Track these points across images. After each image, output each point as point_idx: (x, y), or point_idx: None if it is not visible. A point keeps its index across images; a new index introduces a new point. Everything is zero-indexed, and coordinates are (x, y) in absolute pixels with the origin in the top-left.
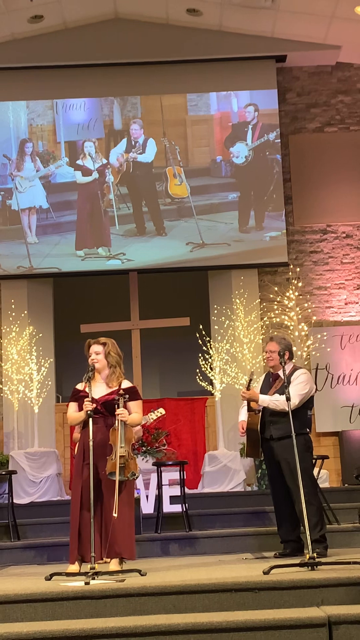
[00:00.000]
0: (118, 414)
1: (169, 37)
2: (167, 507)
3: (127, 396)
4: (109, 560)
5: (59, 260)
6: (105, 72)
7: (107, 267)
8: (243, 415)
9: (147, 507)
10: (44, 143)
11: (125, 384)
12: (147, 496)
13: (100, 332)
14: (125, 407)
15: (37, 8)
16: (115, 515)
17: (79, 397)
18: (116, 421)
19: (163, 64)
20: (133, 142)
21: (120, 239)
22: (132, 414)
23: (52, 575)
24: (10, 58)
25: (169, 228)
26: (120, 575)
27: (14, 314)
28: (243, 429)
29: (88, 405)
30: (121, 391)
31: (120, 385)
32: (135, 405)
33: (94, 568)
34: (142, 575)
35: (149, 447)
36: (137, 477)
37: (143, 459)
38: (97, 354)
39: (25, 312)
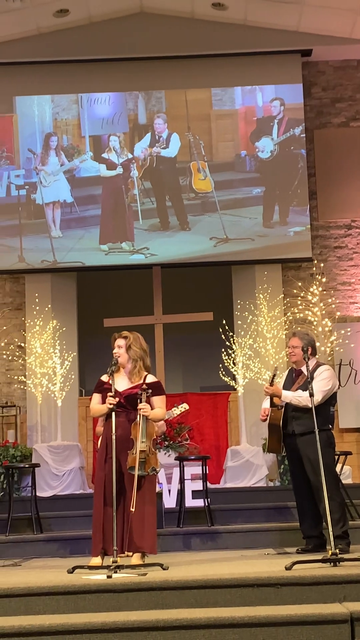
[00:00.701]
0: (140, 409)
1: (194, 32)
2: (190, 502)
3: (149, 391)
4: (130, 554)
5: (83, 255)
6: (130, 66)
7: (131, 262)
8: (266, 405)
9: (170, 502)
10: (69, 137)
11: (150, 378)
12: (169, 490)
13: (123, 326)
14: (148, 401)
15: (62, 2)
16: (132, 509)
17: (102, 389)
18: (138, 416)
19: (188, 59)
20: (157, 137)
21: (144, 233)
22: (155, 409)
23: (74, 568)
24: (35, 52)
25: (192, 223)
26: (143, 569)
27: (37, 307)
28: (265, 414)
29: (111, 400)
30: (144, 386)
31: (144, 380)
32: (159, 400)
33: (116, 561)
34: (164, 569)
35: (171, 442)
36: (157, 472)
37: (165, 453)
38: (119, 347)
39: (49, 306)
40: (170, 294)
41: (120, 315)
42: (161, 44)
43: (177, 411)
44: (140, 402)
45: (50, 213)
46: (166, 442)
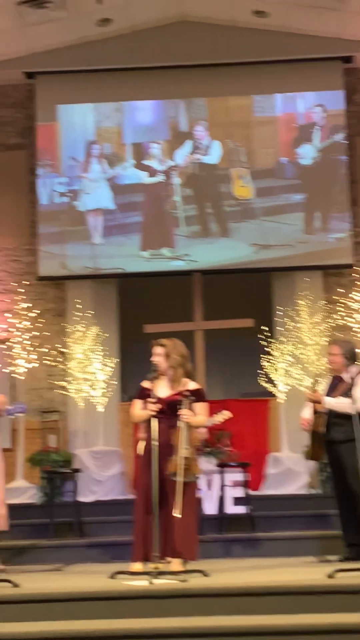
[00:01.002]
0: (181, 415)
1: (235, 39)
2: (230, 508)
3: (192, 398)
4: (170, 560)
5: (124, 261)
6: (172, 74)
7: (171, 268)
8: (307, 414)
9: (210, 508)
10: (111, 145)
11: (192, 385)
12: (209, 497)
13: (163, 332)
14: (190, 408)
15: (105, 11)
16: (177, 515)
17: (144, 395)
18: (180, 422)
19: (229, 66)
20: (198, 144)
21: (185, 240)
22: (197, 415)
23: (115, 573)
24: (78, 61)
25: (233, 229)
26: (184, 575)
27: (79, 313)
28: (307, 422)
29: (152, 406)
30: (186, 392)
31: (186, 387)
32: (201, 407)
33: (157, 568)
34: (205, 576)
35: (212, 448)
36: (198, 479)
37: (206, 459)
38: (158, 355)
39: (91, 312)
40: (210, 300)
41: (161, 321)
42: (203, 51)
43: (219, 418)
44: (182, 408)
45: (92, 220)
46: (207, 449)
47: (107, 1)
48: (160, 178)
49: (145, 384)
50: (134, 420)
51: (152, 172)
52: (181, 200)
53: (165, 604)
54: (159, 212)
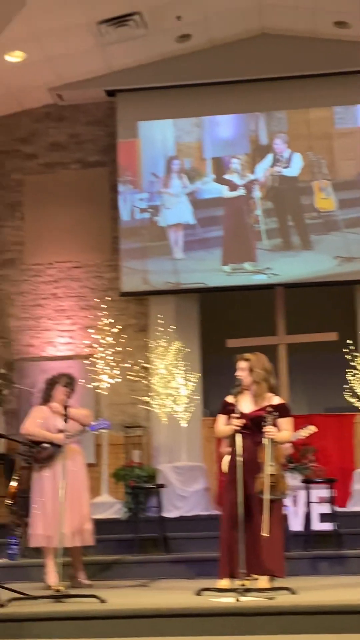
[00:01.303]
0: (266, 432)
1: (315, 51)
2: (317, 525)
3: (276, 413)
4: (257, 577)
5: (206, 276)
6: (252, 87)
7: (254, 282)
8: None
9: (296, 525)
10: (191, 160)
11: (276, 400)
12: (295, 513)
13: (246, 347)
14: (274, 424)
15: (185, 27)
16: (265, 535)
17: (228, 411)
18: (264, 439)
19: (309, 78)
20: (278, 157)
21: (267, 253)
22: (282, 431)
23: (202, 590)
24: (158, 78)
25: (315, 242)
26: (271, 592)
27: (161, 329)
28: None
29: (236, 422)
30: (269, 408)
31: (270, 402)
32: (285, 422)
33: (244, 585)
34: (292, 593)
35: (296, 464)
36: (286, 496)
37: (291, 475)
38: (241, 370)
39: (173, 327)
40: (293, 314)
41: (243, 335)
42: (282, 64)
43: (303, 433)
44: (266, 424)
45: (173, 235)
46: (291, 464)
47: (186, 17)
48: (241, 192)
49: (229, 399)
50: (219, 436)
51: (233, 187)
52: (262, 214)
53: (253, 621)
54: (240, 226)
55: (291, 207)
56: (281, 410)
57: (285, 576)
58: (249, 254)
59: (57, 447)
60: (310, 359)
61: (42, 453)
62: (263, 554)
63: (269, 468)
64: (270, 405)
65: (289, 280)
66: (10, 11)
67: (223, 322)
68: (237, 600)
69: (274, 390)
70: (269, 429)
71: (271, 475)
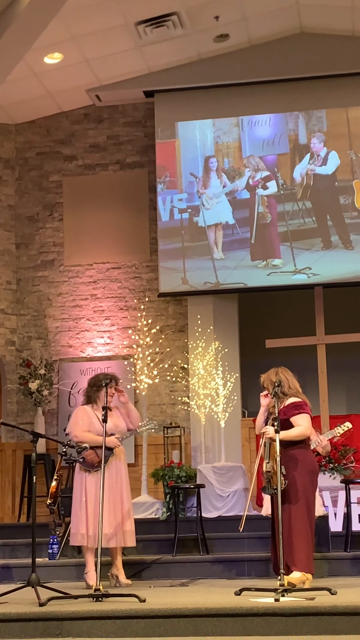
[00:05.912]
0: (263, 432)
1: (354, 49)
2: (356, 526)
3: (276, 417)
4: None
5: (245, 276)
6: (290, 87)
7: (293, 282)
8: None
9: (336, 525)
10: (230, 160)
11: (290, 400)
12: (335, 514)
13: (285, 347)
14: (285, 424)
15: (223, 27)
16: (239, 529)
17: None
18: (262, 439)
19: (349, 76)
20: (315, 156)
21: (306, 253)
22: (295, 427)
23: (241, 590)
24: (196, 78)
25: (355, 241)
26: (310, 592)
27: (200, 329)
28: None
29: (269, 430)
30: (274, 414)
31: (285, 404)
32: (299, 419)
33: (283, 585)
34: (332, 594)
35: (336, 464)
36: (275, 492)
37: (330, 475)
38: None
39: (211, 327)
40: (332, 314)
41: (282, 335)
42: (321, 63)
43: (339, 430)
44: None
45: (212, 235)
46: (331, 465)
47: (224, 17)
48: (279, 191)
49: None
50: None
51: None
52: (301, 213)
53: (292, 622)
54: (274, 224)
55: (330, 206)
56: (290, 409)
57: (325, 576)
58: (284, 252)
59: (109, 450)
60: (349, 359)
61: (94, 457)
62: (285, 549)
63: (265, 465)
64: (283, 407)
65: (329, 280)
66: (48, 13)
67: (262, 323)
68: (277, 600)
69: (291, 394)
70: (265, 429)
71: (267, 472)
